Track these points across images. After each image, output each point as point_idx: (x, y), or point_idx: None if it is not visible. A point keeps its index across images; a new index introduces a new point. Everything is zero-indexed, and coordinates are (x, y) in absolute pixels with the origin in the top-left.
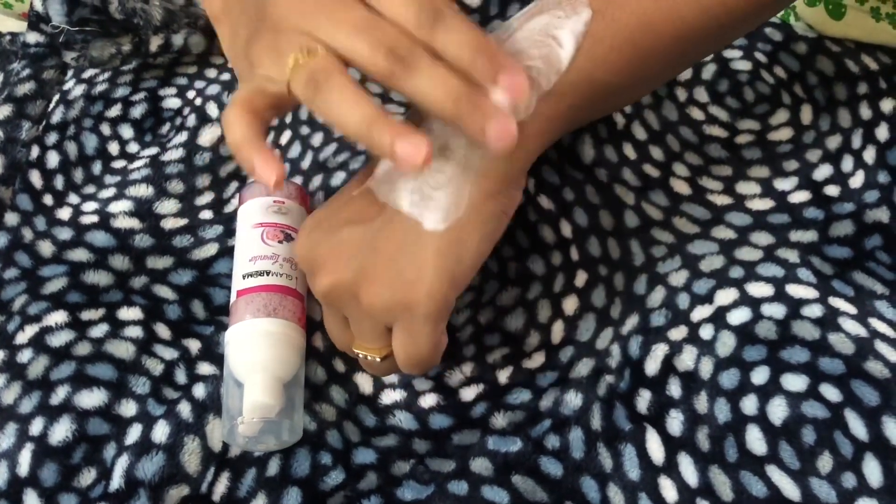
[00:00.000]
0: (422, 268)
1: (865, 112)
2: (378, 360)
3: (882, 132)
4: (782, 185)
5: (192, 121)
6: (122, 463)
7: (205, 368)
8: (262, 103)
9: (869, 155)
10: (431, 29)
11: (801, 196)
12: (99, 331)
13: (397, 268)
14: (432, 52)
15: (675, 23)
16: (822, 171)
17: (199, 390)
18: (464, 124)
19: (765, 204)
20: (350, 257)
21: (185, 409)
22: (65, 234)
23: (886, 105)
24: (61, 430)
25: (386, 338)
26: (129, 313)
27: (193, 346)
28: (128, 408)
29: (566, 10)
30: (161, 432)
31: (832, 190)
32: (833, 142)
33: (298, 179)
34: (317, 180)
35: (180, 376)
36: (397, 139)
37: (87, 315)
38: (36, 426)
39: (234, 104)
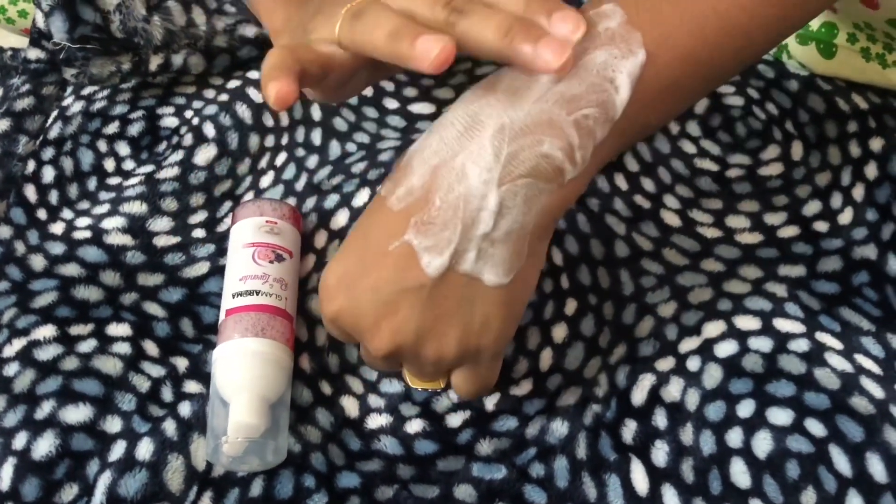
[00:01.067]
0: (488, 317)
1: (855, 150)
2: (438, 390)
3: (871, 170)
4: (772, 219)
5: (188, 140)
6: (105, 480)
7: (191, 387)
8: (305, 54)
9: (858, 192)
10: None
11: (790, 231)
12: (87, 346)
13: (462, 321)
14: (487, 4)
15: (712, 64)
16: (812, 207)
17: (185, 409)
18: (515, 53)
19: (754, 238)
20: (406, 319)
21: (170, 427)
22: (57, 248)
23: (875, 144)
24: (45, 445)
25: (445, 376)
26: (117, 329)
27: (181, 363)
28: (113, 424)
29: (621, 48)
30: (145, 450)
31: (821, 226)
32: (822, 178)
33: (292, 201)
34: (310, 202)
35: (167, 394)
36: (417, 39)
37: (75, 330)
38: (19, 440)
39: (279, 45)
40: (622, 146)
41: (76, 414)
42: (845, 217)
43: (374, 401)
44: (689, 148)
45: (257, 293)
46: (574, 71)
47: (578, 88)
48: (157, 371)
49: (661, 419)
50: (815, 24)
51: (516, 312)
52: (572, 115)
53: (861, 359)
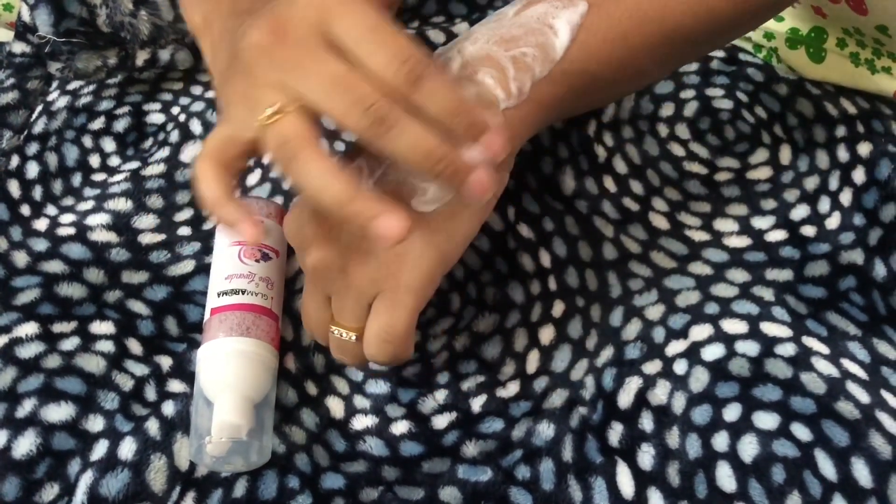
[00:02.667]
0: (411, 240)
1: (843, 155)
2: (353, 338)
3: (858, 175)
4: (760, 223)
5: (174, 137)
6: (87, 479)
7: (175, 386)
8: (234, 152)
9: (845, 197)
10: (412, 87)
11: (777, 235)
12: (70, 344)
13: None
14: (409, 106)
15: (664, 22)
16: (800, 212)
17: (169, 408)
18: (442, 182)
19: (742, 241)
20: (337, 233)
21: (153, 427)
22: (40, 245)
23: (863, 149)
24: (25, 444)
25: (364, 316)
26: (101, 327)
27: (165, 362)
28: (95, 423)
29: (563, 1)
30: (127, 449)
31: (808, 230)
32: (811, 183)
33: (280, 199)
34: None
35: (150, 393)
36: (376, 217)
37: (58, 328)
38: (0, 439)
39: (206, 157)
40: (569, 94)
41: (58, 413)
42: (833, 221)
43: (360, 401)
44: (677, 151)
45: (243, 292)
46: (515, 19)
47: (517, 31)
48: (140, 370)
49: (647, 422)
50: (804, 29)
51: (440, 246)
52: (510, 51)
53: (847, 363)
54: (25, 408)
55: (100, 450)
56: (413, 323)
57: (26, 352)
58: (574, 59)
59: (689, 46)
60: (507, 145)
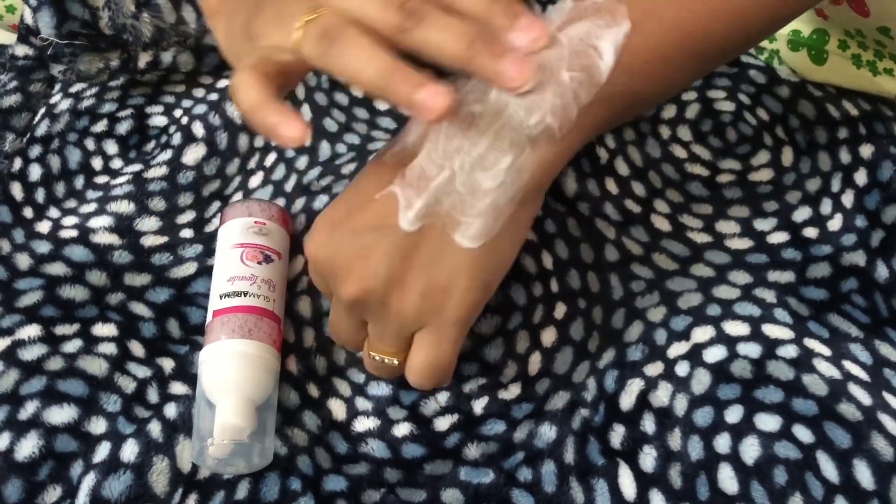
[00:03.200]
0: (455, 275)
1: (845, 156)
2: (395, 362)
3: (860, 177)
4: (762, 225)
5: (177, 139)
6: (89, 481)
7: (177, 388)
8: (272, 69)
9: (847, 199)
10: None
11: (779, 237)
12: (72, 346)
13: (430, 275)
14: (445, 7)
15: (703, 40)
16: (801, 213)
17: (171, 410)
18: (477, 67)
19: (744, 243)
20: (378, 264)
21: (155, 429)
22: (43, 247)
23: (865, 150)
24: (28, 446)
25: (405, 342)
26: (103, 329)
27: (167, 364)
28: (97, 425)
29: (606, 19)
30: (130, 451)
31: (810, 232)
32: (813, 184)
33: (281, 201)
34: (300, 203)
35: (152, 395)
36: (418, 88)
37: (60, 330)
38: (2, 441)
39: (243, 70)
40: (613, 115)
41: (60, 415)
42: (835, 223)
43: (362, 404)
44: (679, 153)
45: (245, 294)
46: (558, 38)
47: (562, 53)
48: (142, 372)
49: (649, 424)
50: (806, 31)
51: (486, 279)
52: (556, 76)
53: (849, 365)
54: (28, 410)
55: (102, 452)
56: (457, 352)
57: (29, 354)
58: (617, 81)
59: (721, 56)
60: (544, 34)
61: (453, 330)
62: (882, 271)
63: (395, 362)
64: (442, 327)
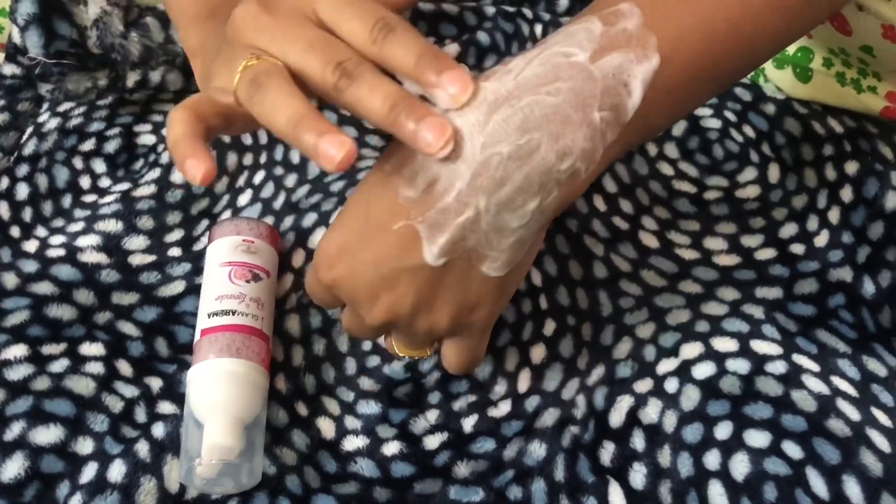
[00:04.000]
0: (483, 297)
1: (831, 173)
2: (424, 357)
3: (846, 193)
4: (749, 241)
5: (165, 158)
6: (76, 502)
7: (165, 407)
8: (209, 109)
9: (833, 215)
10: (382, 42)
11: (766, 253)
12: (59, 366)
13: (458, 300)
14: (381, 67)
15: (717, 68)
16: (788, 230)
17: (159, 429)
18: (398, 130)
19: (731, 260)
20: (405, 293)
21: (142, 449)
22: (30, 266)
23: (850, 167)
24: (14, 467)
25: (434, 342)
26: (91, 349)
27: (155, 384)
28: (84, 445)
29: (637, 52)
30: (117, 472)
31: (797, 248)
32: (799, 201)
33: (270, 219)
34: (288, 221)
35: (140, 415)
36: (321, 138)
37: (47, 349)
38: None
39: (180, 106)
40: (626, 147)
41: (47, 435)
42: (821, 240)
43: (351, 422)
44: (666, 170)
45: (233, 313)
46: (589, 73)
47: (595, 90)
48: (130, 391)
49: (638, 441)
50: (791, 49)
51: (507, 294)
52: (588, 115)
53: (837, 381)
54: (14, 430)
55: (89, 472)
56: (486, 344)
57: (15, 374)
58: (639, 115)
59: (730, 83)
60: (469, 85)
61: (483, 335)
62: (868, 287)
63: (424, 357)
64: (471, 336)
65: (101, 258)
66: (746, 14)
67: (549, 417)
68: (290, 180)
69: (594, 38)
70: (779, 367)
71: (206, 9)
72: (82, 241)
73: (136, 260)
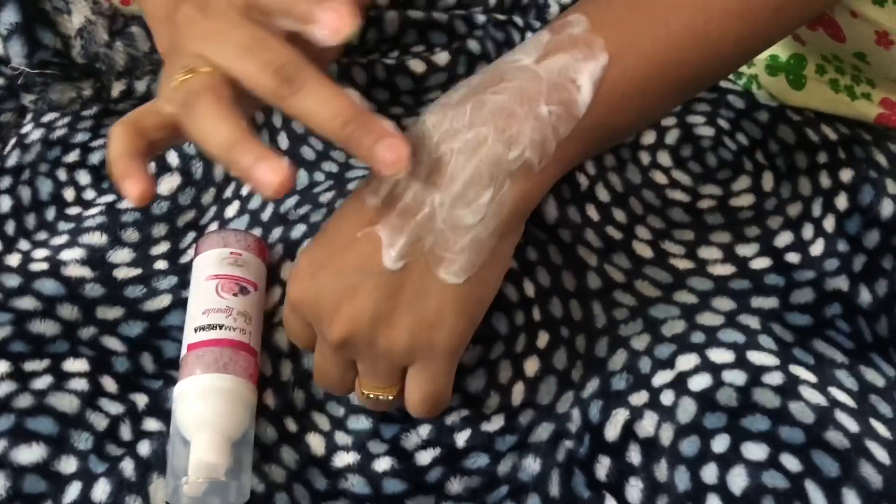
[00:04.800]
0: (443, 311)
1: (825, 181)
2: (390, 398)
3: (841, 201)
4: (744, 250)
5: (151, 169)
6: None
7: (151, 424)
8: (151, 123)
9: (829, 223)
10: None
11: (762, 262)
12: (42, 383)
13: (416, 312)
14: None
15: (679, 71)
16: (783, 238)
17: (144, 447)
18: (353, 148)
19: (726, 269)
20: (364, 304)
21: (128, 467)
22: (12, 281)
23: (845, 175)
24: None
25: (398, 377)
26: (74, 365)
27: (140, 400)
28: (68, 464)
29: (584, 51)
30: (101, 491)
31: (793, 257)
32: (794, 209)
33: (258, 231)
34: (276, 232)
35: (125, 432)
36: (257, 163)
37: (30, 366)
38: None
39: (121, 121)
40: (589, 148)
41: (29, 454)
42: (817, 248)
43: (341, 438)
44: (660, 178)
45: (220, 327)
46: (535, 70)
47: (540, 87)
48: (115, 408)
49: (634, 455)
50: (784, 56)
51: (472, 311)
52: (534, 110)
53: (835, 392)
54: None
55: (72, 492)
56: (453, 379)
57: None
58: (595, 113)
59: (696, 86)
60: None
61: (445, 362)
62: (865, 296)
63: (390, 397)
64: (434, 361)
65: (86, 272)
66: (703, 18)
67: (544, 431)
68: None
69: (541, 46)
70: (776, 379)
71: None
72: (66, 255)
73: (122, 273)
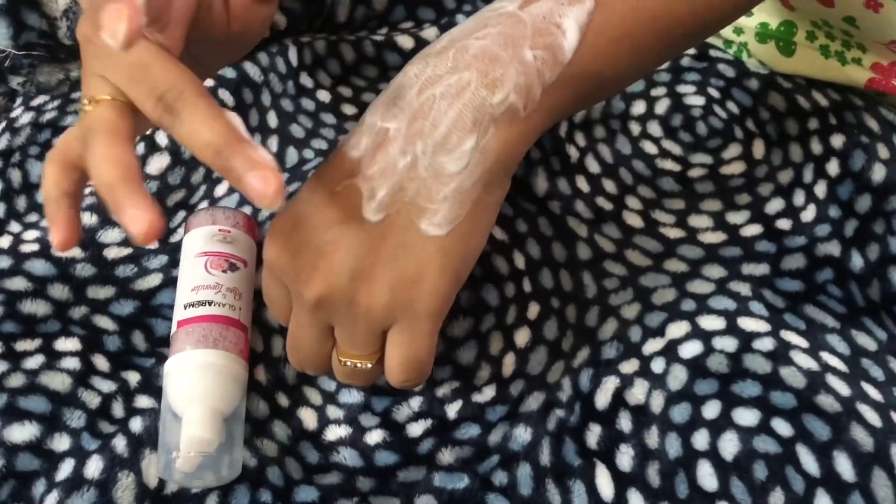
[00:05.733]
0: (424, 266)
1: (816, 147)
2: (369, 366)
3: (832, 167)
4: (734, 218)
5: (140, 149)
6: (52, 500)
7: (143, 402)
8: (76, 152)
9: (820, 189)
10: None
11: (752, 229)
12: (34, 362)
13: (397, 267)
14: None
15: (667, 18)
16: (774, 205)
17: (136, 424)
18: (226, 175)
19: (717, 237)
20: (343, 259)
21: (120, 444)
22: (3, 262)
23: (836, 141)
24: None
25: (377, 342)
26: (66, 344)
27: (132, 378)
28: (60, 442)
29: None
30: (94, 467)
31: (784, 224)
32: (785, 176)
33: (248, 209)
34: (266, 210)
35: (117, 409)
36: (128, 208)
37: (21, 346)
38: None
39: (50, 156)
40: (578, 96)
41: (21, 433)
42: (808, 214)
43: (333, 412)
44: (650, 148)
45: (210, 303)
46: (518, 15)
47: (525, 30)
48: (107, 386)
49: (625, 423)
50: (773, 23)
51: (454, 268)
52: (518, 53)
53: (827, 356)
54: None
55: (65, 469)
56: (434, 345)
57: None
58: (582, 60)
59: (686, 38)
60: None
61: (427, 323)
62: (857, 261)
63: (369, 365)
64: (415, 321)
65: (76, 252)
66: None
67: (534, 401)
68: None
69: None
70: (767, 344)
71: None
72: None
73: (112, 253)
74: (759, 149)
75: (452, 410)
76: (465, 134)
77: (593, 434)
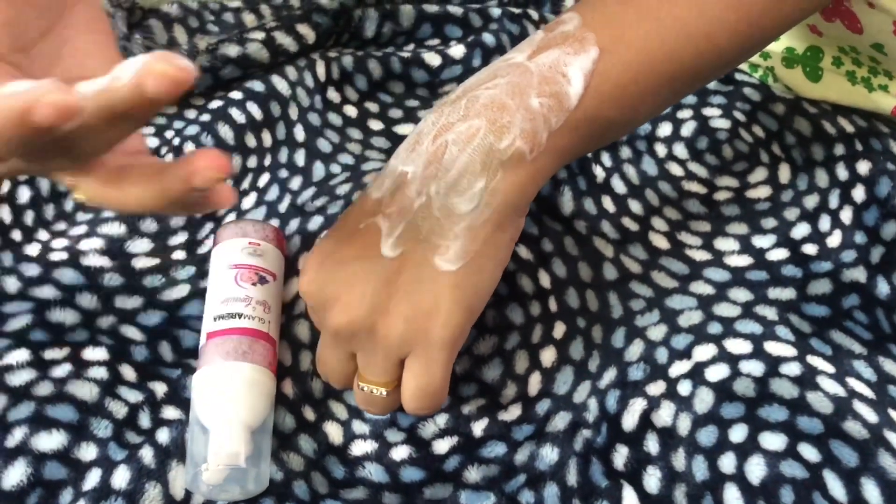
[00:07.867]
0: (438, 299)
1: (842, 173)
2: (384, 393)
3: (858, 193)
4: (760, 242)
5: (169, 159)
6: None
7: (170, 413)
8: None
9: (846, 215)
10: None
11: (779, 254)
12: (62, 371)
13: (413, 300)
14: None
15: (672, 64)
16: (800, 230)
17: (163, 435)
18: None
19: (743, 260)
20: (362, 291)
21: (147, 455)
22: (32, 270)
23: (862, 167)
24: (16, 474)
25: (395, 371)
26: (94, 353)
27: (159, 389)
28: (88, 452)
29: (574, 46)
30: (121, 478)
31: (810, 248)
32: (810, 201)
33: (275, 222)
34: (294, 224)
35: (144, 420)
36: None
37: (50, 354)
38: None
39: None
40: (585, 140)
41: (49, 441)
42: (834, 240)
43: (359, 427)
44: (676, 170)
45: (239, 316)
46: (526, 66)
47: (532, 80)
48: (134, 396)
49: (652, 445)
50: (800, 48)
51: (468, 301)
52: (525, 102)
53: (853, 382)
54: (16, 437)
55: (93, 479)
56: (448, 375)
57: (17, 379)
58: (588, 106)
59: (693, 80)
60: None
61: (441, 352)
62: (883, 287)
63: (384, 393)
64: (429, 351)
65: (104, 261)
66: (696, 11)
67: (561, 421)
68: (295, 183)
69: (534, 43)
70: (793, 369)
71: None
72: (85, 245)
73: (140, 263)
74: (784, 173)
75: (478, 428)
76: (475, 177)
77: (620, 455)
